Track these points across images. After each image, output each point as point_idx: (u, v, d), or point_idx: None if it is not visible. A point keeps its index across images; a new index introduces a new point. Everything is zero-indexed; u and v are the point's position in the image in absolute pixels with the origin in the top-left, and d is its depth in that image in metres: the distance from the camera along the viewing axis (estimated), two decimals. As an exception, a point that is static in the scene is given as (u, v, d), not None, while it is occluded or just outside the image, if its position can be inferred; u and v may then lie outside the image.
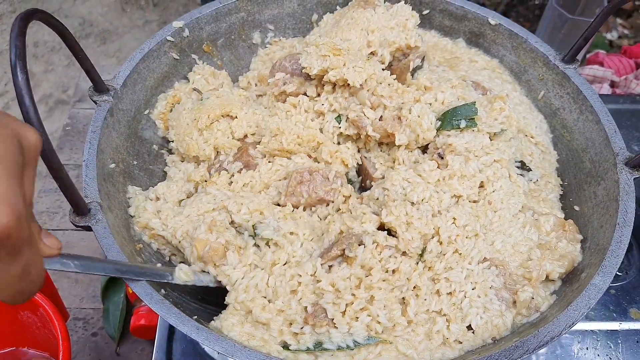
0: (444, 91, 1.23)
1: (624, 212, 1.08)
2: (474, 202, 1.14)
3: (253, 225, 1.11)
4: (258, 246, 1.11)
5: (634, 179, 1.12)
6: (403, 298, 1.04)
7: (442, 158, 1.15)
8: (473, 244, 1.07)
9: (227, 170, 1.23)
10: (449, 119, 1.18)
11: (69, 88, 3.63)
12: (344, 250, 1.04)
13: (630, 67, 2.12)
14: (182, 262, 1.11)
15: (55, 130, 3.34)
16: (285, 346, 1.00)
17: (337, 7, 1.52)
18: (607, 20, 3.65)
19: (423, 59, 1.36)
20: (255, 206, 1.12)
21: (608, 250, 1.03)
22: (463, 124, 1.17)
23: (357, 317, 1.01)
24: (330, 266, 1.06)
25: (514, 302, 1.05)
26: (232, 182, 1.22)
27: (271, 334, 1.00)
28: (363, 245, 1.03)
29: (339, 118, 1.26)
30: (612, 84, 2.13)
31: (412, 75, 1.32)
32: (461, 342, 1.02)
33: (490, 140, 1.18)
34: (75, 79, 3.61)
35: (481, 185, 1.13)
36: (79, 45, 1.10)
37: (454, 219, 1.07)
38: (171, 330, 1.30)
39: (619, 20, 3.92)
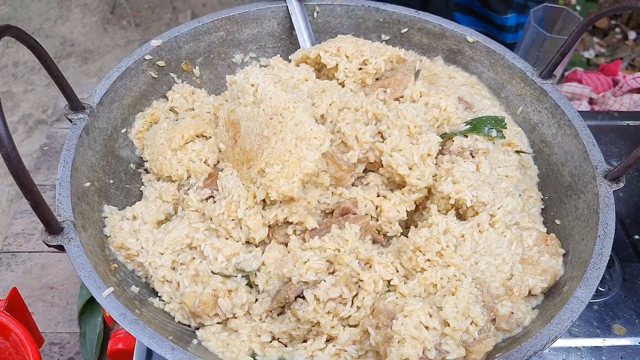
0: (443, 98, 1.23)
1: (604, 225, 1.08)
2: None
3: (239, 269, 1.11)
4: (251, 286, 1.12)
5: (613, 191, 1.13)
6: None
7: (473, 157, 1.16)
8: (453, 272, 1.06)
9: (195, 193, 1.22)
10: (482, 126, 1.20)
11: (49, 108, 3.59)
12: (283, 305, 1.05)
13: (608, 85, 2.15)
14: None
15: (34, 150, 3.30)
16: (253, 355, 1.03)
17: (314, 26, 1.52)
18: (584, 39, 3.73)
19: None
20: (230, 250, 1.12)
21: (589, 263, 1.03)
22: (494, 133, 1.20)
23: (322, 349, 1.02)
24: (279, 313, 1.09)
25: (493, 319, 1.03)
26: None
27: (241, 340, 1.04)
28: (302, 300, 1.02)
29: None
30: (591, 101, 2.15)
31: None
32: None
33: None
34: (55, 99, 3.59)
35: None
36: (54, 63, 1.09)
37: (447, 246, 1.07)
38: (149, 353, 1.27)
39: (595, 39, 3.99)
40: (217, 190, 1.20)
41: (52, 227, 0.96)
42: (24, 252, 1.73)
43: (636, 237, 1.60)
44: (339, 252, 1.06)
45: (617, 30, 4.07)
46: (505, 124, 1.24)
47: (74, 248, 0.97)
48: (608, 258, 1.04)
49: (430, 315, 0.96)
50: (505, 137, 1.23)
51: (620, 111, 1.96)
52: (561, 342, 1.36)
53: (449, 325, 0.94)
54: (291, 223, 1.15)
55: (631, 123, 1.89)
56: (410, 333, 0.93)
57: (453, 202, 1.11)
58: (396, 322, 0.95)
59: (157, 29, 4.20)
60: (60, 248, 0.98)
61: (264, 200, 1.15)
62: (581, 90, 2.12)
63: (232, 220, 1.13)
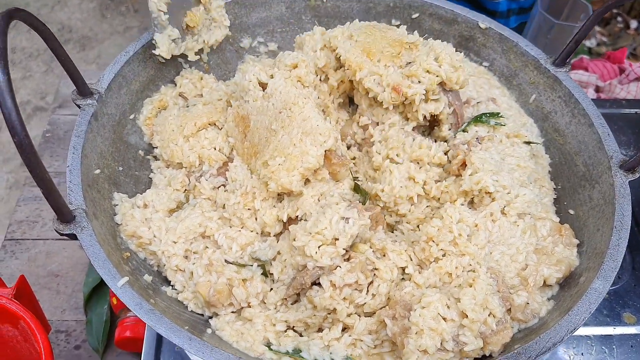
0: None
1: (620, 215, 1.07)
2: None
3: (254, 258, 1.10)
4: (266, 275, 1.10)
5: (629, 181, 1.12)
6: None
7: (481, 143, 1.17)
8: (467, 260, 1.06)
9: (208, 181, 1.20)
10: (479, 117, 1.25)
11: (47, 95, 3.56)
12: (298, 292, 1.04)
13: (614, 72, 2.14)
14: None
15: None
16: (269, 345, 1.02)
17: (324, 10, 1.50)
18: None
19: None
20: (244, 240, 1.11)
21: (606, 254, 1.02)
22: (492, 122, 1.23)
23: (338, 338, 1.02)
24: (294, 301, 1.08)
25: (509, 310, 1.03)
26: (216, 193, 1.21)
27: (256, 329, 1.03)
28: (318, 288, 1.01)
29: None
30: (597, 89, 2.14)
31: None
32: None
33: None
34: (53, 85, 3.55)
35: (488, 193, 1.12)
36: (62, 48, 1.07)
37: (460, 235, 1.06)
38: (159, 341, 1.26)
39: (597, 28, 3.97)
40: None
41: (64, 215, 0.95)
42: (28, 239, 1.71)
43: (645, 226, 1.59)
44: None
45: (619, 19, 4.05)
46: (502, 115, 1.26)
47: (87, 237, 0.96)
48: (625, 249, 1.03)
49: (448, 307, 0.95)
50: (504, 125, 1.24)
51: (627, 99, 1.95)
52: (571, 332, 1.36)
53: (467, 316, 0.94)
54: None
55: (639, 111, 1.88)
56: (428, 324, 0.93)
57: (477, 193, 1.10)
58: (414, 314, 0.94)
59: (156, 14, 4.14)
60: (73, 237, 0.97)
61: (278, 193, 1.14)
62: (587, 78, 2.11)
63: (248, 210, 1.12)
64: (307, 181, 1.14)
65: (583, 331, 1.36)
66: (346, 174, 1.16)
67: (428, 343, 0.92)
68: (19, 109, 0.80)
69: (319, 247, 1.00)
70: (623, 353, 1.33)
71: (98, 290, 1.60)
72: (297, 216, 1.12)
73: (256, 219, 1.13)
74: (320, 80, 1.25)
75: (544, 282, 1.08)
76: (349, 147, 1.26)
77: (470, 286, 0.98)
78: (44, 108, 3.50)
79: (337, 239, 1.00)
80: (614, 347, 1.33)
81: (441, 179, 1.17)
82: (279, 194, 1.14)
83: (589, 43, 3.89)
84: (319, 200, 1.12)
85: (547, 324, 1.00)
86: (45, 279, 1.65)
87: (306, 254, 0.99)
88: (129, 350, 1.52)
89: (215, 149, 1.23)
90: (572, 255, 1.11)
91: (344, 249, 1.01)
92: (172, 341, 0.87)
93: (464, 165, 1.13)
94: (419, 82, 1.14)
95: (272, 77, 1.18)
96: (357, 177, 1.20)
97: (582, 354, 1.33)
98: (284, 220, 1.13)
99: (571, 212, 1.21)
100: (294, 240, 1.02)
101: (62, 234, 0.97)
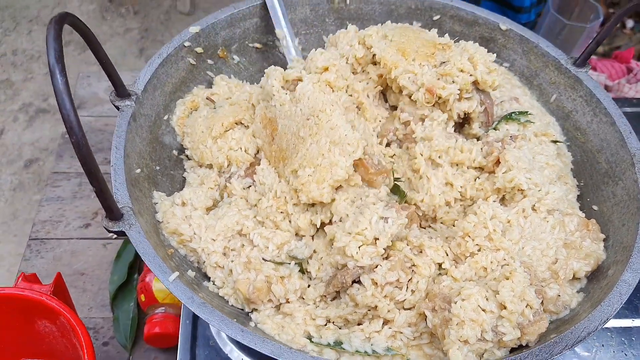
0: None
1: (645, 211, 1.11)
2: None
3: (291, 256, 1.13)
4: (303, 272, 1.13)
5: (652, 177, 1.16)
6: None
7: (514, 141, 1.19)
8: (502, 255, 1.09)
9: (237, 181, 1.23)
10: (509, 116, 1.27)
11: (50, 97, 3.55)
12: (338, 289, 1.07)
13: (622, 72, 2.19)
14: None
15: (36, 139, 3.27)
16: (310, 337, 1.05)
17: (347, 13, 1.53)
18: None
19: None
20: (280, 239, 1.13)
21: (634, 247, 1.06)
22: (522, 119, 1.26)
23: (378, 331, 1.05)
24: (334, 298, 1.10)
25: (542, 302, 1.07)
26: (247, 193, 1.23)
27: (296, 323, 1.06)
28: (359, 286, 1.04)
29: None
30: (605, 88, 2.18)
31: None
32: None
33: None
34: (72, 86, 3.54)
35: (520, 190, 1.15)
36: (104, 51, 1.10)
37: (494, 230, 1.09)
38: (193, 337, 1.29)
39: (594, 28, 4.03)
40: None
41: (113, 213, 0.97)
42: (52, 238, 1.73)
43: (658, 222, 1.63)
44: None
45: (616, 18, 4.11)
46: (530, 113, 1.28)
47: (135, 234, 0.98)
48: (651, 242, 1.07)
49: (487, 299, 0.99)
50: (534, 122, 1.27)
51: (637, 98, 1.99)
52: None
53: (505, 308, 0.97)
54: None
55: (650, 110, 1.92)
56: (469, 316, 0.96)
57: (509, 190, 1.14)
58: (455, 306, 0.98)
59: (156, 16, 4.15)
60: (121, 234, 0.99)
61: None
62: (596, 78, 2.15)
63: (281, 213, 1.15)
64: (339, 186, 1.15)
65: (603, 324, 1.40)
66: (383, 181, 1.19)
67: (469, 333, 0.95)
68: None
69: (359, 247, 1.03)
70: (642, 344, 1.37)
71: (124, 288, 1.63)
72: (330, 220, 1.15)
73: (290, 221, 1.16)
74: (357, 72, 1.27)
75: (573, 275, 1.12)
76: (389, 144, 1.28)
77: (507, 279, 1.01)
78: (47, 110, 3.49)
79: (378, 239, 1.03)
80: (633, 338, 1.38)
81: (474, 176, 1.20)
82: None
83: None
84: (352, 202, 1.15)
85: (579, 314, 1.04)
86: (71, 278, 1.67)
87: (347, 254, 1.02)
88: (158, 346, 1.55)
89: (241, 149, 1.26)
90: (599, 249, 1.15)
91: (383, 248, 1.04)
92: (226, 333, 0.90)
93: (497, 162, 1.16)
94: (453, 81, 1.17)
95: (301, 81, 1.20)
96: (399, 178, 1.23)
97: (602, 345, 1.37)
98: (318, 226, 1.16)
99: (595, 208, 1.25)
100: (333, 240, 1.05)
101: (110, 231, 1.00)
